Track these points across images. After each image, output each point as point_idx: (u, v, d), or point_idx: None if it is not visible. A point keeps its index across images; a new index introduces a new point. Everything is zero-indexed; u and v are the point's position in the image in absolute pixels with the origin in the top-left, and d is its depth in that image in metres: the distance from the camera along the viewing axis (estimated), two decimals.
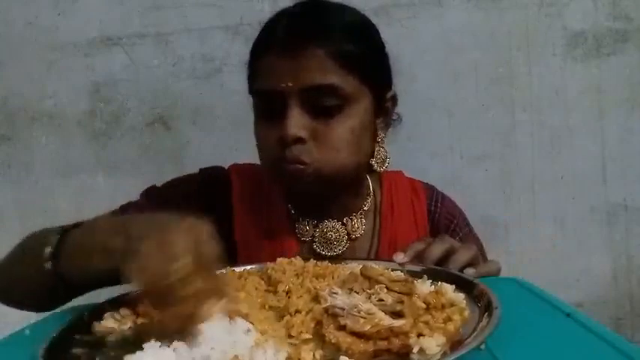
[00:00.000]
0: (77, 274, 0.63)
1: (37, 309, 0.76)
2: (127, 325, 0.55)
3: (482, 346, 0.46)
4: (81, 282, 0.64)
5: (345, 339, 0.46)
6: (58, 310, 0.70)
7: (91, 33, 1.37)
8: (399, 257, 0.68)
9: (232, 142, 1.34)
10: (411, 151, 1.31)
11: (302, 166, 0.74)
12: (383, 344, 0.46)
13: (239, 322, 0.46)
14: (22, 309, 0.79)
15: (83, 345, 0.52)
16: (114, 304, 0.60)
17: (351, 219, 0.86)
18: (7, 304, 0.79)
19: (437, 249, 0.69)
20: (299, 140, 0.73)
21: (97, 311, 0.59)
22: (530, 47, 1.37)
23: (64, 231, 0.66)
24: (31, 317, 0.69)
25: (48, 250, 0.64)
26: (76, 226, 0.67)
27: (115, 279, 0.55)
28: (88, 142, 1.40)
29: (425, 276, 0.61)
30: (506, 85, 1.38)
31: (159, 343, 0.44)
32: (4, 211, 1.38)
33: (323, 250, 0.84)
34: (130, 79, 1.38)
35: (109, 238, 0.58)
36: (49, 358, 0.46)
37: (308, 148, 0.74)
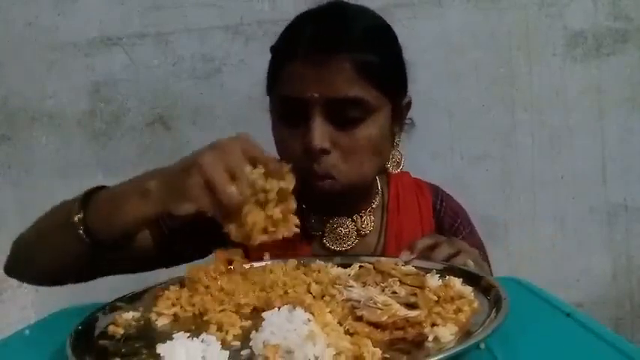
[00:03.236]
0: (106, 227, 0.64)
1: (57, 281, 0.77)
2: (148, 317, 0.57)
3: (482, 345, 0.46)
4: (109, 235, 0.65)
5: (363, 329, 0.48)
6: (58, 310, 0.70)
7: (91, 33, 1.37)
8: (405, 255, 0.70)
9: None
10: (411, 151, 1.30)
11: (331, 182, 0.76)
12: (399, 334, 0.48)
13: (300, 311, 0.48)
14: (40, 284, 0.80)
15: (108, 337, 0.54)
16: (131, 300, 0.62)
17: (360, 216, 0.87)
18: (24, 280, 0.80)
19: (444, 252, 0.71)
20: (324, 151, 0.74)
21: (116, 306, 0.61)
22: (530, 47, 1.38)
23: (89, 190, 0.69)
24: (31, 317, 0.70)
25: (75, 207, 0.66)
26: (99, 188, 0.70)
27: (144, 225, 0.64)
28: (88, 142, 1.40)
29: (434, 270, 0.63)
30: (506, 85, 1.38)
31: (187, 334, 0.46)
32: (4, 211, 1.38)
33: (332, 245, 0.85)
34: (130, 79, 1.38)
35: (143, 182, 0.62)
36: (77, 349, 0.48)
37: (333, 160, 0.75)
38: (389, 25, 0.82)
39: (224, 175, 0.56)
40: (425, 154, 1.37)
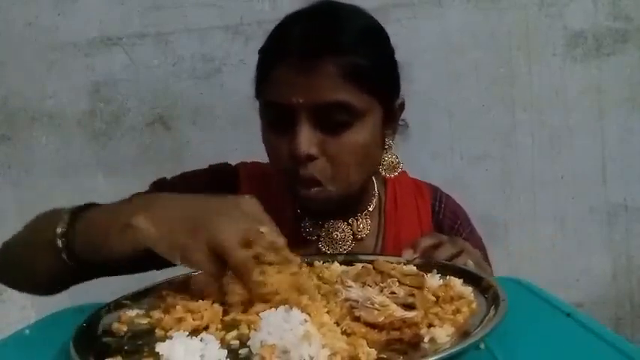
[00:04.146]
0: (90, 252, 0.62)
1: (40, 292, 0.76)
2: (154, 315, 0.57)
3: (482, 345, 0.46)
4: (92, 261, 0.63)
5: (360, 329, 0.48)
6: (58, 310, 0.70)
7: (91, 33, 1.37)
8: (408, 254, 0.69)
9: (232, 142, 1.34)
10: (411, 152, 1.31)
11: (317, 189, 0.74)
12: (395, 334, 0.48)
13: (296, 312, 0.48)
14: (23, 291, 0.79)
15: (111, 334, 0.54)
16: (135, 297, 0.62)
17: (356, 219, 0.86)
18: (9, 285, 0.78)
19: (446, 252, 0.70)
20: (310, 157, 0.73)
21: (120, 303, 0.60)
22: (530, 47, 1.38)
23: (78, 209, 0.65)
24: (31, 317, 0.69)
25: (60, 227, 0.63)
26: (88, 206, 0.67)
27: (125, 259, 0.59)
28: (88, 142, 1.40)
29: (434, 270, 0.63)
30: (506, 85, 1.38)
31: (186, 333, 0.47)
32: (4, 211, 1.38)
33: (328, 250, 0.84)
34: (130, 79, 1.38)
35: (128, 215, 0.57)
36: (80, 346, 0.48)
37: (320, 165, 0.73)
38: (380, 26, 0.80)
39: (236, 243, 0.53)
40: (425, 154, 1.37)
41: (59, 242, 0.62)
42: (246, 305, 0.52)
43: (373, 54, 0.76)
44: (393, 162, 0.83)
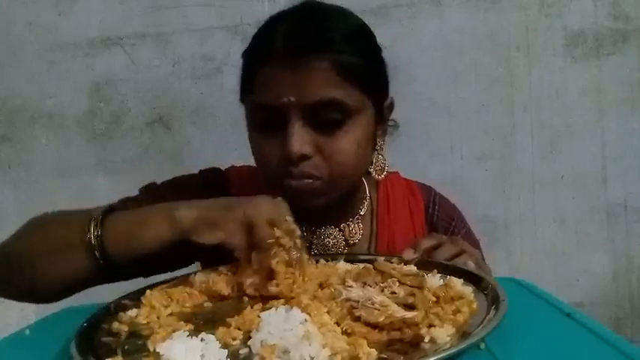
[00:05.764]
0: (123, 248, 0.63)
1: (49, 299, 0.72)
2: (151, 315, 0.57)
3: (482, 345, 0.46)
4: (125, 257, 0.64)
5: (360, 329, 0.48)
6: (58, 310, 0.70)
7: (91, 33, 1.37)
8: (409, 254, 0.69)
9: (232, 142, 1.33)
10: (411, 151, 1.32)
11: (310, 180, 0.73)
12: (396, 334, 0.48)
13: (297, 312, 0.48)
14: (16, 299, 0.74)
15: (112, 334, 0.54)
16: (135, 297, 0.62)
17: (348, 224, 0.85)
18: (5, 296, 0.74)
19: (447, 252, 0.69)
20: (304, 157, 0.71)
21: (120, 303, 0.61)
22: (530, 47, 1.38)
23: (106, 210, 0.66)
24: (31, 317, 0.69)
25: (92, 226, 0.63)
26: (113, 209, 0.68)
27: (156, 252, 0.63)
28: (88, 142, 1.40)
29: (435, 270, 0.63)
30: (506, 85, 1.38)
31: (187, 333, 0.47)
32: (4, 211, 1.38)
33: None
34: (129, 79, 1.38)
35: (169, 209, 0.63)
36: (80, 346, 0.48)
37: (314, 163, 0.72)
38: (365, 24, 0.79)
39: (265, 220, 0.60)
40: (424, 154, 1.37)
41: (93, 240, 0.63)
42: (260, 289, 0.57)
43: (361, 51, 0.75)
44: (381, 163, 0.82)
